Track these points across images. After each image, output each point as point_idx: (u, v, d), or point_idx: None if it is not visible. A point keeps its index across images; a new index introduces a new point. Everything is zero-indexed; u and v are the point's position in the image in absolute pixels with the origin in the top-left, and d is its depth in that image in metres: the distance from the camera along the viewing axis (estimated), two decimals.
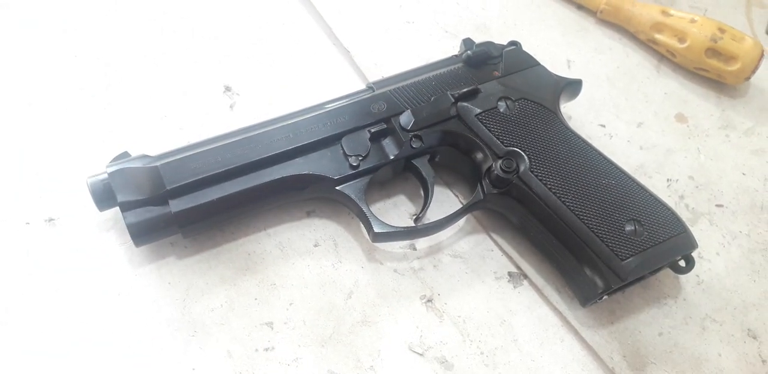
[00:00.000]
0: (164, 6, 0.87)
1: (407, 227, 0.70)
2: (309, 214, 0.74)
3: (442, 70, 0.75)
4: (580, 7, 0.94)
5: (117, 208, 0.66)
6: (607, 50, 0.91)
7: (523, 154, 0.69)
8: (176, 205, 0.65)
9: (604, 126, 0.84)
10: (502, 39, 0.80)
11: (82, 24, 0.85)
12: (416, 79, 0.74)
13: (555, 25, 0.92)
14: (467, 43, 0.77)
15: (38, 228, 0.70)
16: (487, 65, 0.76)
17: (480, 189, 0.71)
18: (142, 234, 0.65)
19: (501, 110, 0.72)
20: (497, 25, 0.91)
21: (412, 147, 0.71)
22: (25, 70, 0.80)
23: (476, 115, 0.72)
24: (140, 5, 0.87)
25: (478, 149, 0.71)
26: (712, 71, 0.86)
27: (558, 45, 0.90)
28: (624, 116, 0.85)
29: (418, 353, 0.67)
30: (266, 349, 0.66)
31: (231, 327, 0.67)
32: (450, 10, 0.92)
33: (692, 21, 0.86)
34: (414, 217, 0.74)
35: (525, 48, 0.78)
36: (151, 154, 0.68)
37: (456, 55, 0.77)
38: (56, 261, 0.69)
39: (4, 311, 0.66)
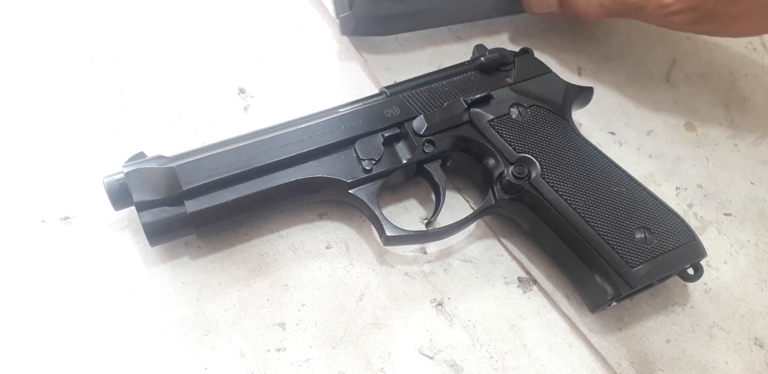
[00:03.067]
0: (180, 9, 0.88)
1: (419, 231, 0.70)
2: (321, 217, 0.75)
3: (455, 76, 0.76)
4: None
5: (132, 208, 0.67)
6: (617, 58, 0.92)
7: (534, 160, 0.70)
8: (192, 206, 0.66)
9: (613, 133, 0.85)
10: (513, 45, 0.80)
11: (98, 25, 0.85)
12: (429, 84, 0.75)
13: (566, 32, 0.93)
14: (480, 49, 0.78)
15: (53, 226, 0.71)
16: (500, 72, 0.76)
17: (491, 195, 0.71)
18: (157, 233, 0.66)
19: (513, 116, 0.73)
20: (509, 31, 0.92)
21: (425, 152, 0.71)
22: (42, 70, 0.81)
23: (489, 121, 0.72)
24: (156, 7, 0.88)
25: (489, 155, 0.72)
26: None
27: (569, 52, 0.91)
28: (633, 124, 0.86)
29: (427, 356, 0.68)
30: (278, 350, 0.66)
31: (243, 327, 0.67)
32: None
33: None
34: (425, 221, 0.75)
35: (536, 55, 0.79)
36: (166, 155, 0.69)
37: (469, 61, 0.78)
38: (71, 260, 0.69)
39: (18, 308, 0.67)
